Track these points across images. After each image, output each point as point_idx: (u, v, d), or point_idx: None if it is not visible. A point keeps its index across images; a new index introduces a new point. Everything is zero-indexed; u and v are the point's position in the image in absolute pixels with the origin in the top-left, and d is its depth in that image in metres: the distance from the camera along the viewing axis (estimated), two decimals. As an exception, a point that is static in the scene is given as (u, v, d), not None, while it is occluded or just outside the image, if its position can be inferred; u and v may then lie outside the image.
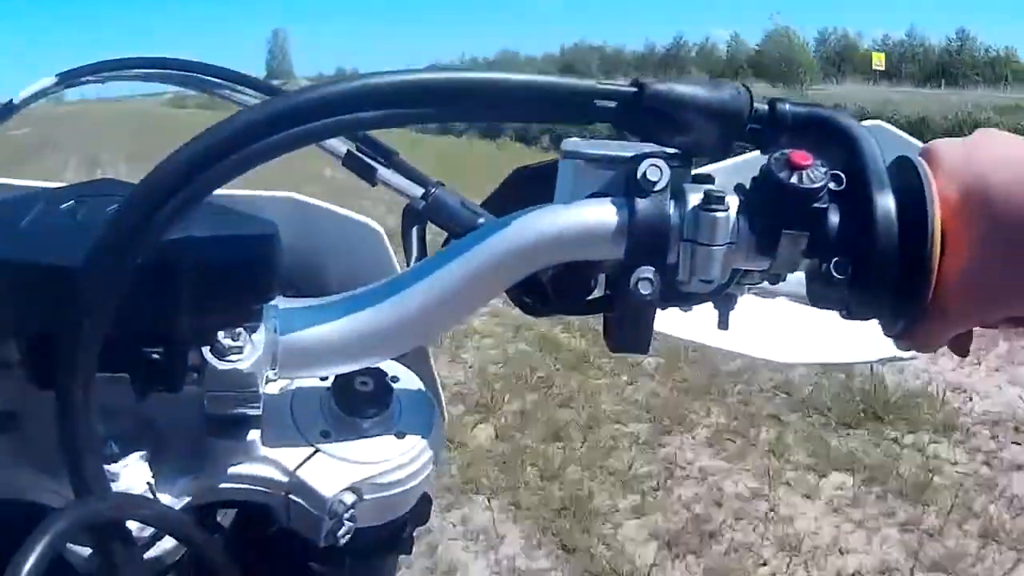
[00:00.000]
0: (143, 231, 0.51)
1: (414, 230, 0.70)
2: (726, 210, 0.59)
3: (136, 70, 0.95)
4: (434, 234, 0.72)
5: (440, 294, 0.60)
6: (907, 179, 0.61)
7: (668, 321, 0.69)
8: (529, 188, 0.66)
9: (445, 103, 0.57)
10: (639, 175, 0.60)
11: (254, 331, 0.60)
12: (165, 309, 0.58)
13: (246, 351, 0.60)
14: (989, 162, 0.60)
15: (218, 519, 0.73)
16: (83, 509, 0.53)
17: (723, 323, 0.68)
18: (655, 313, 0.61)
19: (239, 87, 0.93)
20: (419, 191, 0.76)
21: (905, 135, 0.87)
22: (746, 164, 0.71)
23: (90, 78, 0.98)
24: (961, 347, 0.67)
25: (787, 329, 0.84)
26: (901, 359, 0.75)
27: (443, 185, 0.74)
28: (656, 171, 0.60)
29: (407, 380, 0.71)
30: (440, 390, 0.77)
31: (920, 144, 0.72)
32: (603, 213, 0.60)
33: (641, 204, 0.59)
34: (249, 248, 0.60)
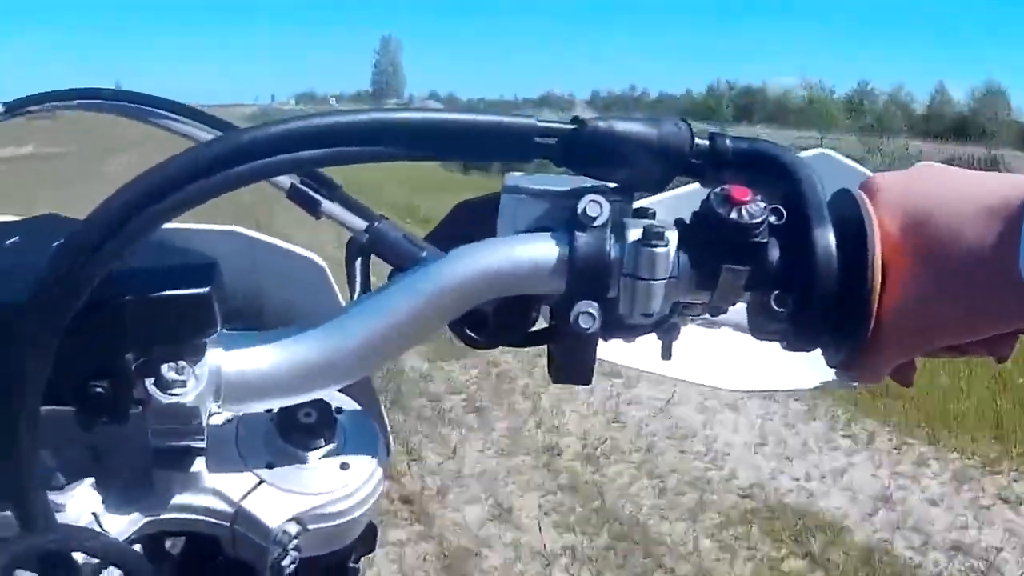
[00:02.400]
0: (88, 267, 0.52)
1: (357, 263, 0.70)
2: (666, 245, 0.60)
3: (82, 100, 0.95)
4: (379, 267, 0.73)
5: (382, 327, 0.61)
6: (847, 212, 0.61)
7: (613, 350, 0.69)
8: (473, 222, 0.67)
9: (389, 142, 0.58)
10: (579, 210, 0.60)
11: (197, 364, 0.60)
12: (108, 343, 0.58)
13: (189, 384, 0.60)
14: (928, 195, 0.61)
15: (167, 548, 0.73)
16: (29, 541, 0.53)
17: (666, 353, 0.69)
18: (596, 346, 0.62)
19: (185, 119, 0.93)
20: (362, 224, 0.76)
21: (852, 163, 0.87)
22: (689, 196, 0.72)
23: (34, 108, 0.97)
24: (904, 377, 0.68)
25: (732, 358, 0.85)
26: (846, 386, 0.75)
27: (386, 218, 0.74)
28: (596, 207, 0.60)
29: (352, 411, 0.71)
30: (386, 421, 0.77)
31: (868, 172, 0.73)
32: (543, 248, 0.60)
33: (581, 239, 0.60)
34: (190, 282, 0.60)
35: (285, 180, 0.84)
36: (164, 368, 0.60)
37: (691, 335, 0.73)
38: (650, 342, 0.68)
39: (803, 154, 0.75)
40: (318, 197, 0.82)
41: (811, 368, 0.69)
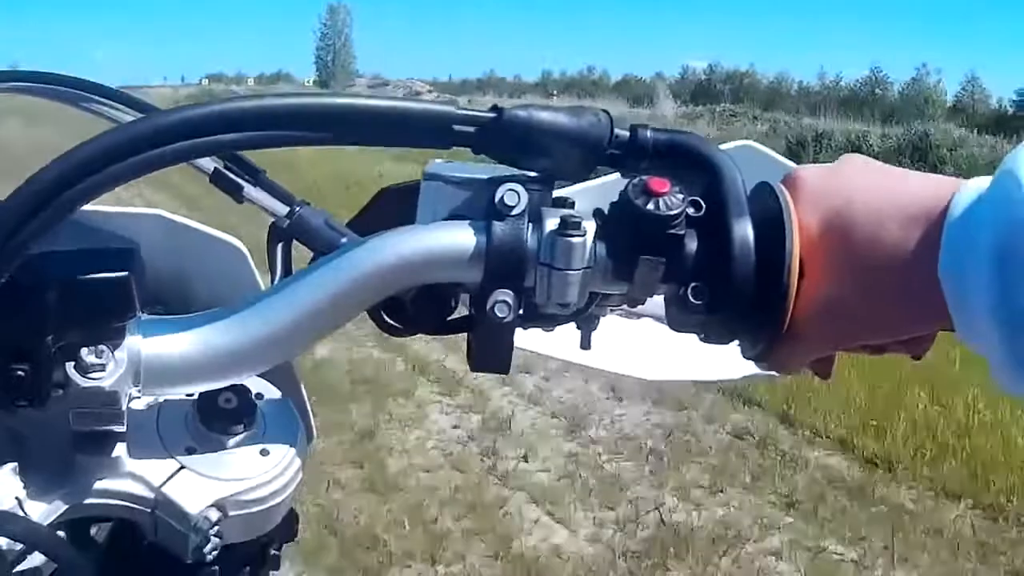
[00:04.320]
0: (6, 249, 0.52)
1: (279, 248, 0.70)
2: (583, 235, 0.60)
3: (5, 83, 0.94)
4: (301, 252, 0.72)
5: (302, 312, 0.61)
6: (767, 206, 0.62)
7: (532, 338, 0.70)
8: (394, 208, 0.67)
9: (307, 127, 0.58)
10: (497, 199, 0.61)
11: (117, 348, 0.60)
12: (28, 326, 0.58)
13: (108, 368, 0.59)
14: (849, 189, 0.61)
15: (92, 534, 0.73)
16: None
17: (585, 343, 0.70)
18: (513, 334, 0.62)
19: (109, 102, 0.92)
20: (284, 209, 0.76)
21: (778, 156, 0.88)
22: (611, 186, 0.72)
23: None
24: (823, 370, 0.68)
25: (653, 348, 0.85)
26: (767, 377, 0.76)
27: (308, 204, 0.75)
28: (514, 195, 0.61)
29: (272, 397, 0.71)
30: (308, 406, 0.77)
31: (792, 164, 0.73)
32: (460, 236, 0.61)
33: (498, 228, 0.60)
34: (109, 265, 0.60)
35: (208, 164, 0.84)
36: (84, 352, 0.59)
37: (613, 325, 0.73)
38: (571, 331, 0.69)
39: (726, 146, 0.76)
40: (241, 182, 0.82)
41: (733, 359, 0.69)
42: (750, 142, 0.88)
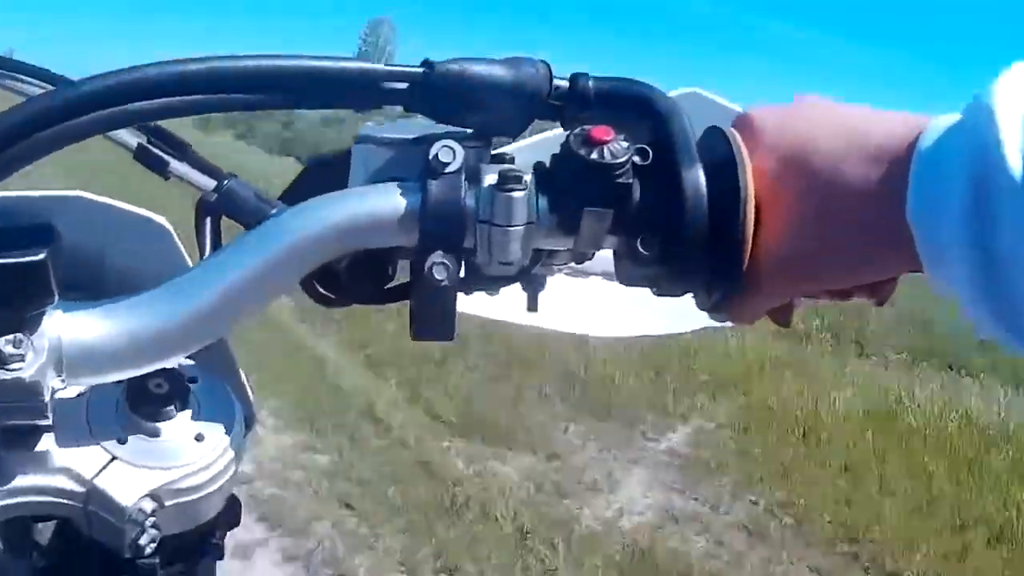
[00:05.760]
0: None
1: (207, 223, 0.67)
2: (524, 189, 0.57)
3: None
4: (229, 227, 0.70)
5: (230, 288, 0.58)
6: (718, 150, 0.59)
7: (476, 302, 0.68)
8: (325, 178, 0.64)
9: (228, 90, 0.56)
10: (431, 157, 0.58)
11: (36, 336, 0.57)
12: None
13: (28, 358, 0.56)
14: (809, 130, 0.59)
15: (33, 535, 0.70)
16: None
17: (532, 305, 0.68)
18: (455, 298, 0.59)
19: (23, 77, 0.89)
20: (212, 183, 0.74)
21: (724, 101, 0.85)
22: (546, 142, 0.70)
23: None
24: (782, 317, 0.67)
25: (602, 305, 0.83)
26: (718, 328, 0.74)
27: (236, 177, 0.72)
28: (448, 152, 0.58)
29: (206, 379, 0.68)
30: (247, 386, 0.74)
31: (740, 110, 0.71)
32: (393, 198, 0.58)
33: (433, 187, 0.58)
34: (24, 248, 0.57)
35: (132, 140, 0.81)
36: (0, 342, 0.56)
37: (559, 284, 0.71)
38: (516, 293, 0.67)
39: (672, 93, 0.74)
40: (166, 157, 0.79)
41: (684, 311, 0.67)
42: (697, 89, 0.86)
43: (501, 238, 0.58)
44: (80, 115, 0.52)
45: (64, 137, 0.52)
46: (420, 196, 0.58)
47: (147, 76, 0.54)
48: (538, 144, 0.74)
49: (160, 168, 0.79)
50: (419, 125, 0.63)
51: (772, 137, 0.60)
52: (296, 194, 0.67)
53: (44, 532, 0.69)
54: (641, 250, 0.58)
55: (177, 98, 0.55)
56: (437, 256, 0.57)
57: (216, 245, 0.67)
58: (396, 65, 0.59)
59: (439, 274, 0.57)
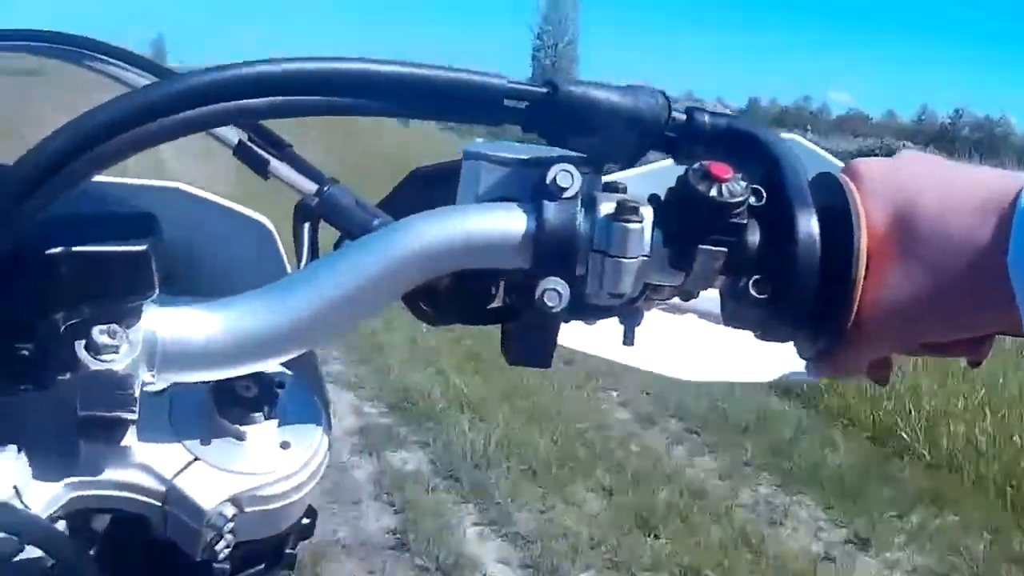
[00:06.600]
0: (16, 214, 0.49)
1: (306, 229, 0.66)
2: (640, 221, 0.56)
3: (17, 42, 0.90)
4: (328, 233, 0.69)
5: (331, 298, 0.57)
6: (830, 197, 0.59)
7: (569, 333, 0.66)
8: (428, 191, 0.64)
9: (344, 94, 0.55)
10: (549, 180, 0.57)
11: (132, 329, 0.56)
12: (35, 301, 0.55)
13: (122, 350, 0.56)
14: (914, 183, 0.59)
15: (93, 526, 0.69)
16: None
17: (629, 339, 0.66)
18: (559, 326, 0.59)
19: (126, 66, 0.88)
20: (312, 187, 0.73)
21: (823, 152, 0.85)
22: (655, 173, 0.69)
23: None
24: (880, 374, 0.65)
25: (693, 345, 0.82)
26: (810, 378, 0.72)
27: (338, 182, 0.71)
28: (567, 176, 0.57)
29: (294, 387, 0.67)
30: (328, 398, 0.73)
31: (839, 163, 0.70)
32: (508, 218, 0.57)
33: (550, 211, 0.57)
34: (127, 237, 0.56)
35: (232, 136, 0.80)
36: (95, 331, 0.55)
37: (653, 319, 0.70)
38: (609, 326, 0.65)
39: None
40: (267, 156, 0.78)
41: (779, 359, 0.66)
42: (796, 136, 0.86)
43: (614, 269, 0.57)
44: (184, 109, 0.52)
45: (164, 132, 0.51)
46: (536, 219, 0.57)
47: (255, 74, 0.53)
48: (647, 174, 0.74)
49: (260, 167, 0.78)
50: (523, 146, 0.62)
51: (881, 188, 0.60)
52: (398, 204, 0.66)
53: (102, 522, 0.69)
54: (753, 292, 0.57)
55: (286, 99, 0.54)
56: (550, 282, 0.56)
57: (314, 250, 0.66)
58: (520, 83, 0.58)
59: (551, 300, 0.56)
